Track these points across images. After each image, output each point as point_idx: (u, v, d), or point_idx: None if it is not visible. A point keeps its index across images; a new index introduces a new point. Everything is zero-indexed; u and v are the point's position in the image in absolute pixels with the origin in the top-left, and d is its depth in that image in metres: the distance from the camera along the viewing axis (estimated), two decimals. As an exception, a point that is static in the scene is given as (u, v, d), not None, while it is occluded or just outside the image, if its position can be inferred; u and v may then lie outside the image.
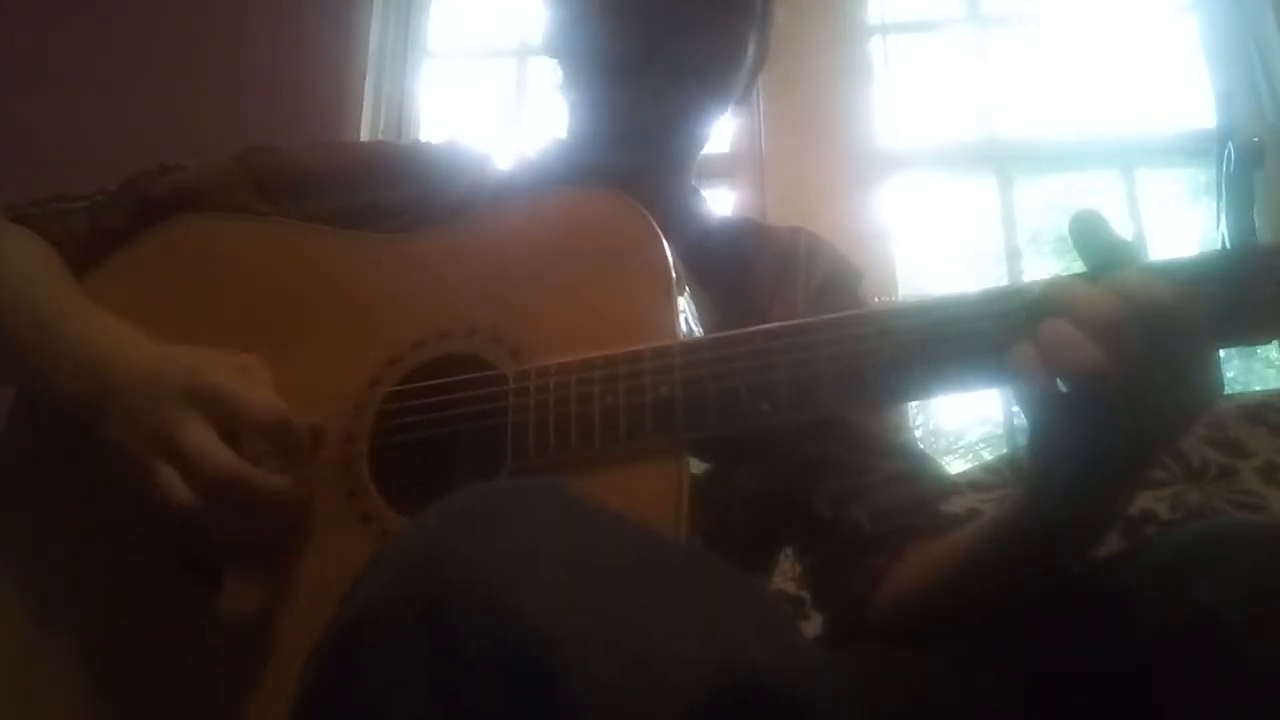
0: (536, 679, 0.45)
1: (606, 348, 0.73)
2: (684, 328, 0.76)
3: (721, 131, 2.03)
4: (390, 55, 2.21)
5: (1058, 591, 0.73)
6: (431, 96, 2.25)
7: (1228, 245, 0.63)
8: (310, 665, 0.54)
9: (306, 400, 0.80)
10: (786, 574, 1.17)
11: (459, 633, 0.47)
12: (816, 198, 1.98)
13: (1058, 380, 0.59)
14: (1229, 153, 0.63)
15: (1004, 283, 0.76)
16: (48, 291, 0.86)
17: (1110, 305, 0.59)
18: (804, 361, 0.69)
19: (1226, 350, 0.62)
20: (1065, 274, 0.65)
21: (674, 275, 0.77)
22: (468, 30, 2.38)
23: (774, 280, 1.00)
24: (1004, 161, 2.08)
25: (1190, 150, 2.05)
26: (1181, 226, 2.33)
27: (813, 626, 1.00)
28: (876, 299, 1.08)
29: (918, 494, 0.92)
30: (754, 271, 1.00)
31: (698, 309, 0.82)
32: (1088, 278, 0.62)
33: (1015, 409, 1.77)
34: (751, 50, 0.99)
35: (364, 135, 2.05)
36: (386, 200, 0.94)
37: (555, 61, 1.03)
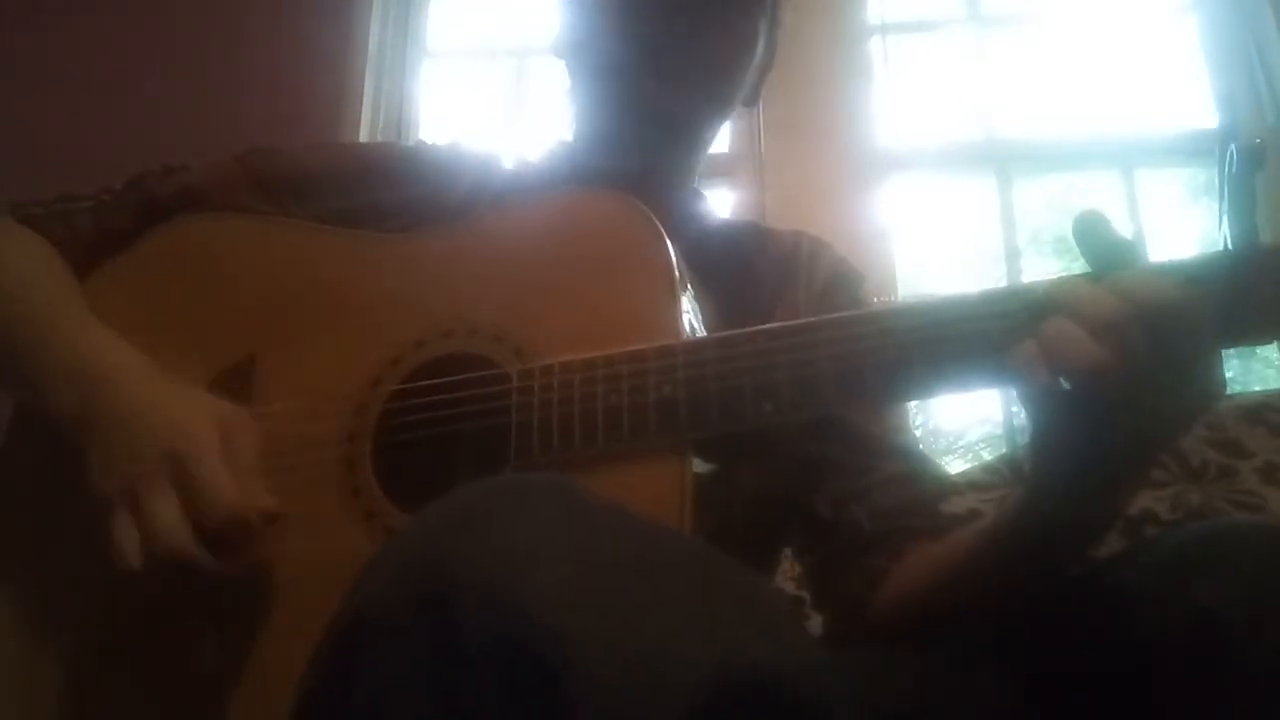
0: (537, 678, 0.45)
1: (610, 348, 0.74)
2: (687, 328, 0.76)
3: (722, 132, 2.04)
4: (390, 55, 2.21)
5: (1058, 592, 0.73)
6: (431, 96, 2.25)
7: (1230, 246, 0.63)
8: (312, 663, 0.54)
9: (309, 400, 0.80)
10: (786, 574, 1.16)
11: (460, 631, 0.47)
12: (816, 198, 1.98)
13: (1060, 378, 0.60)
14: (1231, 154, 0.63)
15: (1004, 283, 0.76)
16: (44, 300, 0.86)
17: (1112, 305, 0.59)
18: (806, 361, 0.69)
19: (1227, 350, 0.62)
20: (1067, 274, 0.65)
21: (677, 276, 0.77)
22: (468, 30, 2.38)
23: (776, 283, 1.00)
24: (1004, 161, 2.08)
25: (1190, 150, 2.05)
26: (1182, 226, 2.33)
27: (813, 627, 0.99)
28: (878, 300, 1.08)
29: (918, 495, 0.92)
30: (756, 274, 1.00)
31: (700, 311, 0.82)
32: (1090, 278, 0.62)
33: (1015, 409, 1.77)
34: (760, 51, 0.99)
35: (364, 135, 2.05)
36: (388, 201, 0.95)
37: (562, 63, 1.03)
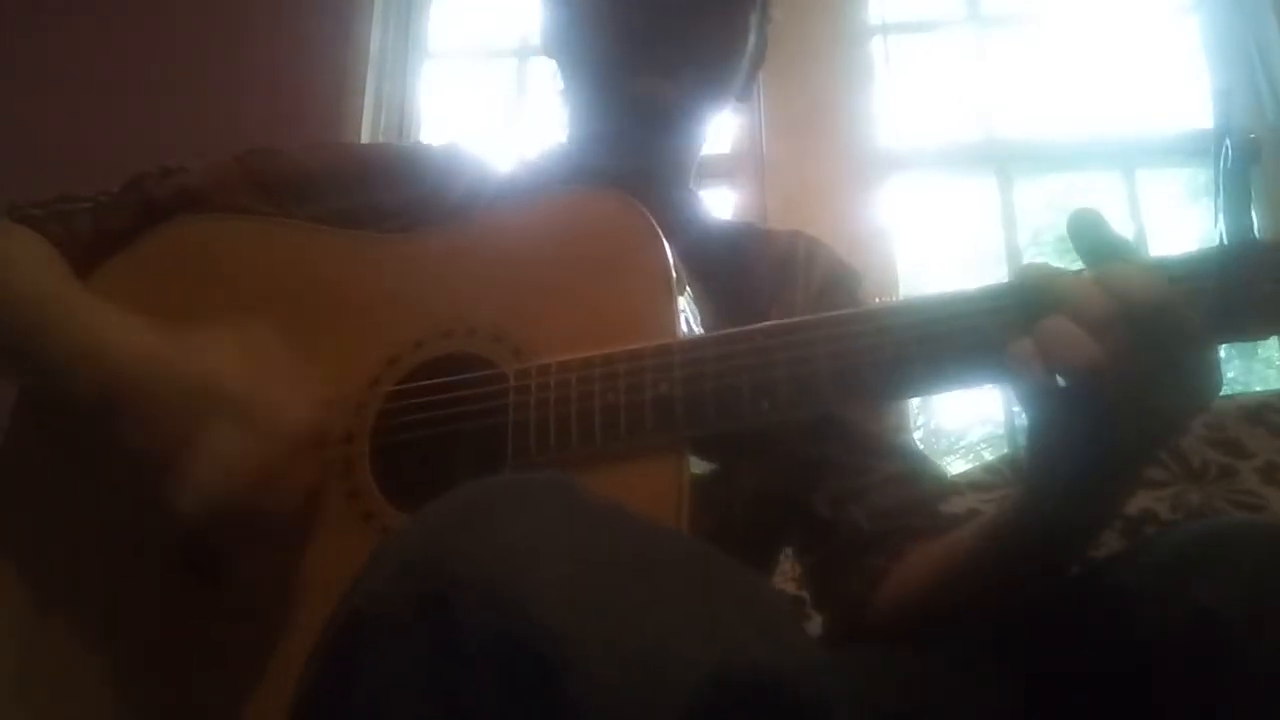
0: (537, 677, 0.45)
1: (607, 348, 0.74)
2: (684, 328, 0.76)
3: (722, 132, 2.04)
4: (390, 56, 2.21)
5: (1058, 591, 0.73)
6: (432, 97, 2.25)
7: (1226, 242, 0.63)
8: (311, 662, 0.54)
9: None
10: (787, 574, 1.17)
11: (460, 629, 0.47)
12: (817, 198, 1.98)
13: (1056, 376, 0.60)
14: (1226, 149, 0.63)
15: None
16: (54, 290, 0.86)
17: (1105, 302, 0.59)
18: (804, 359, 0.69)
19: (1226, 347, 0.62)
20: (1058, 266, 0.65)
21: (674, 276, 0.77)
22: (468, 30, 2.38)
23: (773, 283, 1.00)
24: (1004, 161, 2.08)
25: (1190, 150, 2.05)
26: (1181, 226, 2.34)
27: (813, 627, 0.99)
28: (877, 300, 1.08)
29: (917, 494, 0.92)
30: (753, 274, 1.00)
31: (698, 311, 0.82)
32: (1085, 274, 0.62)
33: (1016, 409, 1.77)
34: (751, 43, 0.99)
35: (364, 136, 2.05)
36: (387, 201, 0.95)
37: (554, 64, 1.03)
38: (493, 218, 0.88)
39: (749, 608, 0.50)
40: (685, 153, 1.02)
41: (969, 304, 0.67)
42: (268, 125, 1.96)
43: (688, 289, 0.80)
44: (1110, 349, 0.58)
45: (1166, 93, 2.17)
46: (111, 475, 0.76)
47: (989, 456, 1.97)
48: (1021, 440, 0.70)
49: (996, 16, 2.26)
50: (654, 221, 0.79)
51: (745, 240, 1.05)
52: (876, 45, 2.18)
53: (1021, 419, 0.68)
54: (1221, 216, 0.63)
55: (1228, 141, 0.63)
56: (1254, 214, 0.63)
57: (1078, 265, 0.64)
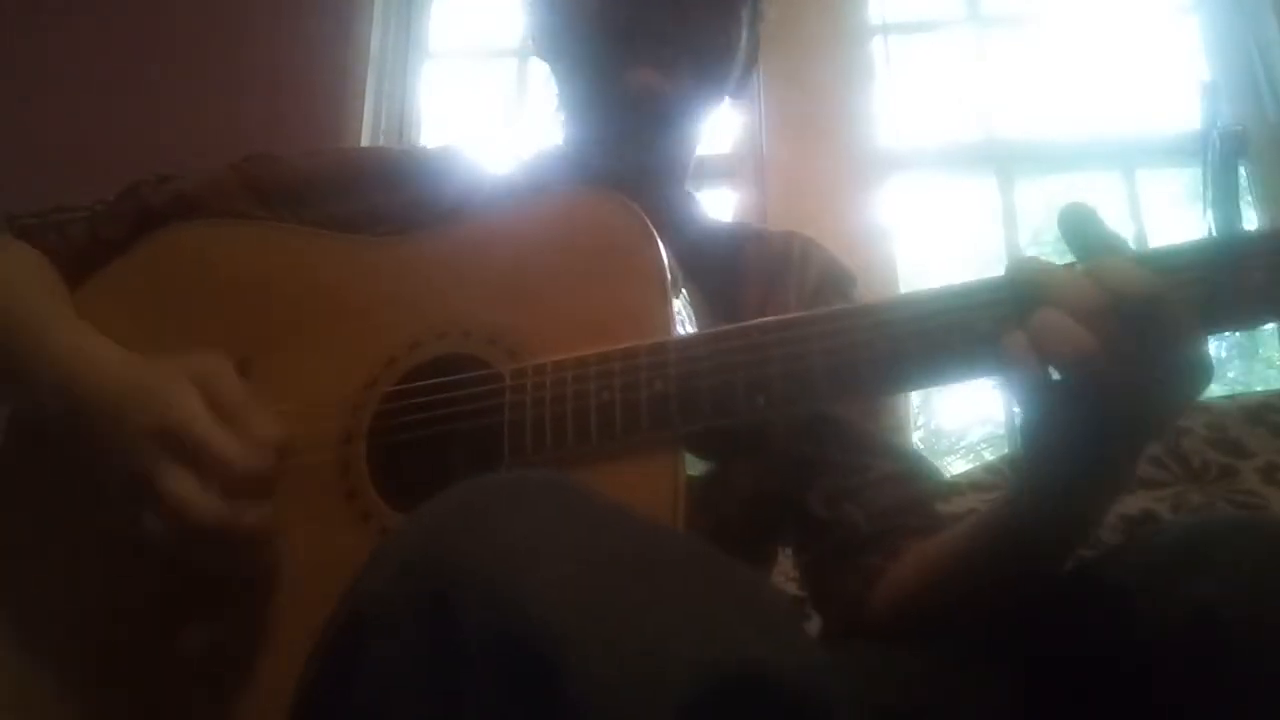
0: (537, 676, 0.45)
1: (603, 348, 0.74)
2: (680, 329, 0.76)
3: (721, 132, 2.03)
4: (391, 56, 2.21)
5: (1055, 589, 0.73)
6: (432, 97, 2.25)
7: (1214, 234, 0.63)
8: (311, 663, 0.54)
9: (304, 403, 0.80)
10: (788, 575, 1.17)
11: (460, 629, 0.47)
12: (818, 198, 1.98)
13: (1049, 368, 0.60)
14: (1214, 143, 0.64)
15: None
16: (34, 308, 0.86)
17: (1098, 294, 0.60)
18: (798, 355, 0.69)
19: (1226, 347, 0.63)
20: (1050, 260, 0.65)
21: (670, 277, 0.77)
22: (468, 31, 2.38)
23: (767, 284, 1.00)
24: (1004, 161, 2.08)
25: (1190, 150, 2.05)
26: (1182, 226, 2.34)
27: (814, 627, 1.00)
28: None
29: (913, 493, 0.93)
30: (747, 275, 1.00)
31: (692, 312, 0.82)
32: (1077, 267, 0.63)
33: (1016, 409, 1.77)
34: (743, 39, 0.99)
35: (365, 136, 2.05)
36: (382, 205, 0.95)
37: (547, 67, 1.03)
38: (488, 220, 0.88)
39: (748, 606, 0.50)
40: (680, 150, 1.02)
41: (962, 298, 0.67)
42: (268, 126, 1.96)
43: (683, 291, 0.80)
44: (1102, 340, 0.59)
45: (1166, 93, 2.17)
46: (98, 488, 0.77)
47: (989, 456, 1.97)
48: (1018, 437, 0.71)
49: (996, 16, 2.26)
50: (649, 222, 0.79)
51: (740, 240, 1.05)
52: (876, 45, 2.17)
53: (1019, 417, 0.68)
54: (1210, 208, 0.63)
55: (1215, 134, 0.64)
56: (1241, 206, 0.63)
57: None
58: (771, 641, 0.47)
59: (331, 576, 0.57)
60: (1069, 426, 0.64)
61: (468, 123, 2.38)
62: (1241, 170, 0.66)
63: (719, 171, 2.06)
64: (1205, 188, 0.64)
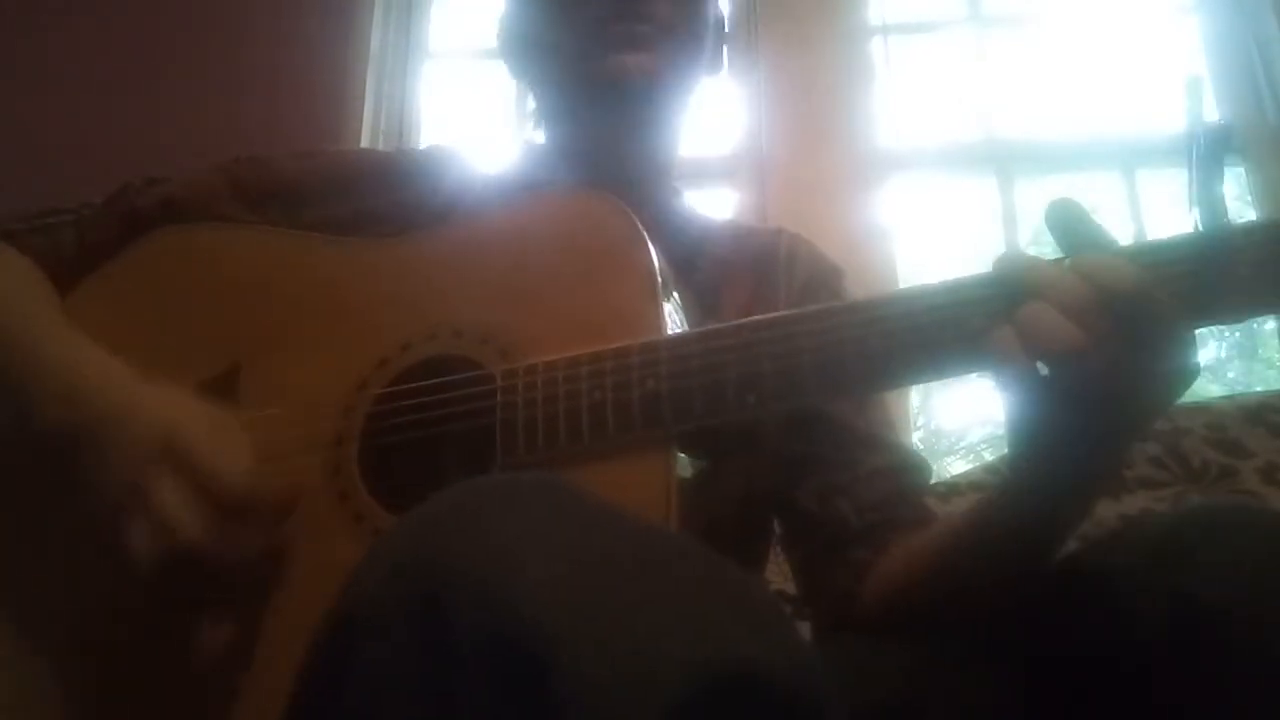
0: (529, 677, 0.45)
1: (594, 348, 0.74)
2: (671, 328, 0.76)
3: (721, 132, 2.03)
4: (391, 56, 2.21)
5: (1046, 582, 0.73)
6: (432, 97, 2.25)
7: (1201, 228, 0.64)
8: (303, 665, 0.54)
9: (295, 405, 0.80)
10: (787, 575, 1.17)
11: (452, 630, 0.47)
12: (818, 198, 1.98)
13: (1037, 363, 0.60)
14: (1199, 137, 0.64)
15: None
16: (28, 315, 0.85)
17: (1085, 288, 0.60)
18: (788, 353, 0.69)
19: (1214, 337, 0.63)
20: (1037, 255, 0.65)
21: (660, 278, 0.77)
22: (468, 31, 2.38)
23: (755, 281, 1.00)
24: (1004, 161, 2.08)
25: (1185, 148, 2.05)
26: (1181, 226, 2.33)
27: (805, 627, 1.00)
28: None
29: (902, 487, 0.93)
30: (735, 272, 1.00)
31: (682, 312, 0.82)
32: (1062, 262, 0.63)
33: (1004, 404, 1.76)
34: (712, 10, 0.98)
35: (365, 136, 2.06)
36: (372, 207, 0.95)
37: (525, 78, 1.03)
38: (478, 220, 0.88)
39: (739, 605, 0.50)
40: (666, 139, 1.01)
41: (951, 294, 0.67)
42: (268, 126, 1.97)
43: (674, 292, 0.80)
44: (1090, 335, 0.59)
45: (1166, 93, 2.17)
46: (86, 502, 0.76)
47: (989, 456, 1.97)
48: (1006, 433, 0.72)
49: (996, 16, 2.26)
50: (638, 222, 0.79)
51: (727, 238, 1.05)
52: (876, 45, 2.18)
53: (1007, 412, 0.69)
54: (1195, 204, 0.64)
55: (1199, 129, 0.64)
56: (1226, 201, 0.64)
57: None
58: (763, 641, 0.47)
59: (324, 578, 0.57)
60: (1056, 422, 0.64)
61: (468, 123, 2.38)
62: (1227, 165, 0.67)
63: (719, 171, 2.06)
64: (1190, 183, 0.65)
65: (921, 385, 0.65)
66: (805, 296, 0.99)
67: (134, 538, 0.69)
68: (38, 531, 0.82)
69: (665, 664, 0.44)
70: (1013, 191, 2.05)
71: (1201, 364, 0.64)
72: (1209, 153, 0.63)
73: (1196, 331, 0.63)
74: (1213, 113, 0.68)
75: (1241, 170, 1.98)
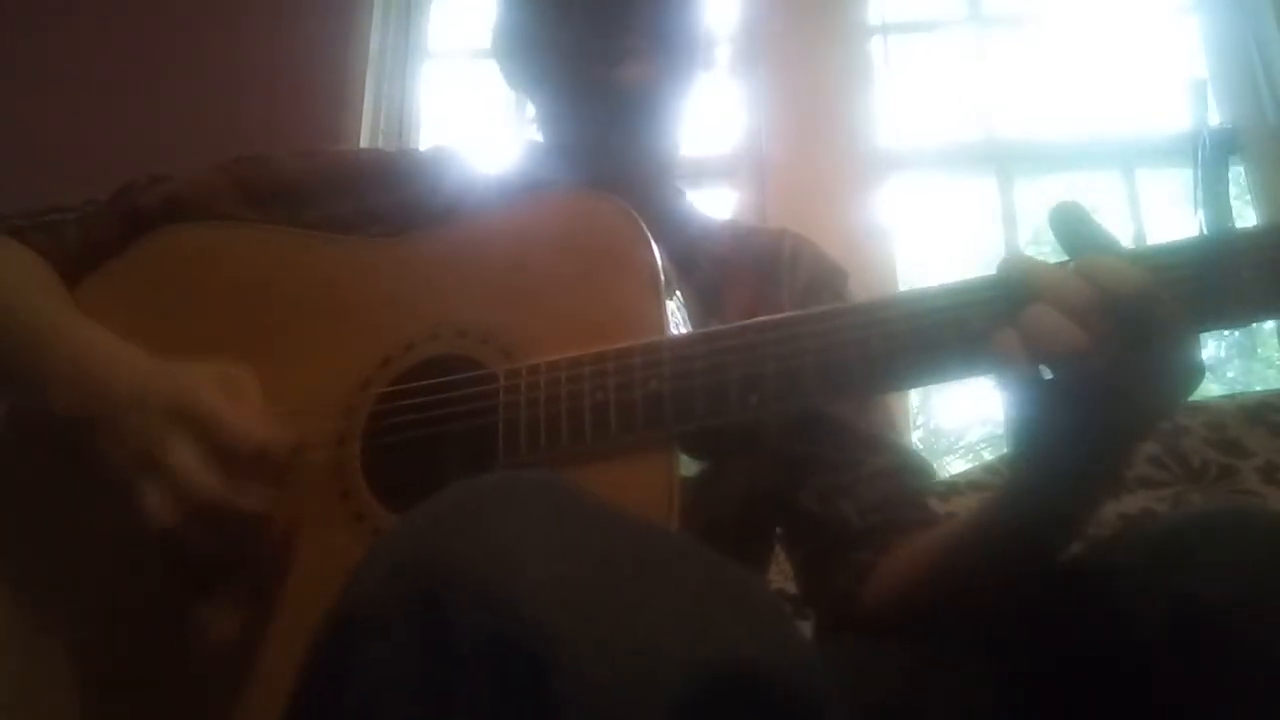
0: (529, 676, 0.45)
1: (596, 349, 0.74)
2: (673, 329, 0.76)
3: (721, 132, 2.03)
4: (390, 56, 2.21)
5: (1046, 583, 0.73)
6: (432, 97, 2.25)
7: (1205, 232, 0.64)
8: (303, 664, 0.54)
9: (298, 404, 0.80)
10: (787, 575, 1.17)
11: (452, 629, 0.47)
12: (818, 198, 1.98)
13: (1040, 365, 0.60)
14: (1204, 140, 0.64)
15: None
16: (40, 305, 0.86)
17: (1089, 291, 0.60)
18: (791, 354, 0.70)
19: (1214, 337, 0.63)
20: (1040, 258, 0.65)
21: (663, 279, 0.77)
22: (468, 31, 2.38)
23: (758, 281, 1.00)
24: (1004, 161, 2.08)
25: (1190, 150, 2.05)
26: (1181, 226, 2.33)
27: (806, 627, 1.00)
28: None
29: (905, 488, 0.93)
30: (738, 272, 1.00)
31: (685, 312, 0.82)
32: (1067, 265, 0.63)
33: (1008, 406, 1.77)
34: (701, 9, 0.98)
35: (364, 136, 2.06)
36: (374, 207, 0.95)
37: (521, 86, 1.03)
38: (482, 220, 0.88)
39: (740, 606, 0.50)
40: (666, 141, 1.01)
41: (954, 296, 0.67)
42: (268, 125, 1.97)
43: (677, 292, 0.80)
44: (1093, 337, 0.59)
45: (1166, 93, 2.17)
46: (96, 483, 0.77)
47: (989, 456, 1.97)
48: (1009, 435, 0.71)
49: (996, 16, 2.26)
50: (641, 222, 0.79)
51: (730, 238, 1.05)
52: (876, 45, 2.17)
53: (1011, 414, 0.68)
54: (1200, 207, 0.64)
55: (1204, 132, 0.64)
56: (1232, 204, 0.64)
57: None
58: (763, 641, 0.47)
59: (325, 577, 0.57)
60: (1058, 423, 0.64)
61: (468, 123, 2.38)
62: (1233, 168, 0.67)
63: (719, 171, 2.06)
64: (1195, 186, 0.65)
65: (925, 387, 0.65)
66: (808, 297, 0.99)
67: (149, 498, 0.71)
68: (51, 516, 0.83)
69: (665, 664, 0.44)
70: (1013, 191, 2.05)
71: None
72: (1214, 155, 0.63)
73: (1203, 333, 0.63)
74: (1215, 114, 0.68)
75: (1241, 170, 1.98)
